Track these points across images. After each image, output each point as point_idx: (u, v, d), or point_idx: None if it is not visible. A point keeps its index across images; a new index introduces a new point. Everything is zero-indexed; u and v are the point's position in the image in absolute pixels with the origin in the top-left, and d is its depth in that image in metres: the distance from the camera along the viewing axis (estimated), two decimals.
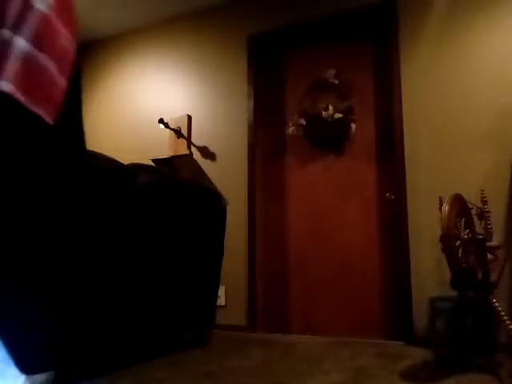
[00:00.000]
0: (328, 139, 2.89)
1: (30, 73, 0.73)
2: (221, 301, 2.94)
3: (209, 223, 2.48)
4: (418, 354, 2.13)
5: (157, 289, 2.07)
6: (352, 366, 1.87)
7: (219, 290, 2.72)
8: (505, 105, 2.46)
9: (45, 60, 0.76)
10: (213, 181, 3.16)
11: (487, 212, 2.17)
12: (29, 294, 1.48)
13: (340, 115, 2.66)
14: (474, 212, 2.11)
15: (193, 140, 3.35)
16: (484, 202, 2.18)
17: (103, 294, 1.76)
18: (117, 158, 1.90)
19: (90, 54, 4.01)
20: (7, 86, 0.71)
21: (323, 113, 2.83)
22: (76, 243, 1.63)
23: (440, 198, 2.18)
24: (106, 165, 1.81)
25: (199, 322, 2.47)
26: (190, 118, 3.37)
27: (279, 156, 3.08)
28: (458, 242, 1.76)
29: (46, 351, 1.52)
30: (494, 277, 1.83)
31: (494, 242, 2.09)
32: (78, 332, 1.65)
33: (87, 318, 1.69)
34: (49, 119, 0.77)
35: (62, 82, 0.80)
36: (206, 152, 3.29)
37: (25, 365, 1.14)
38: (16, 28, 0.71)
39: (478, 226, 2.14)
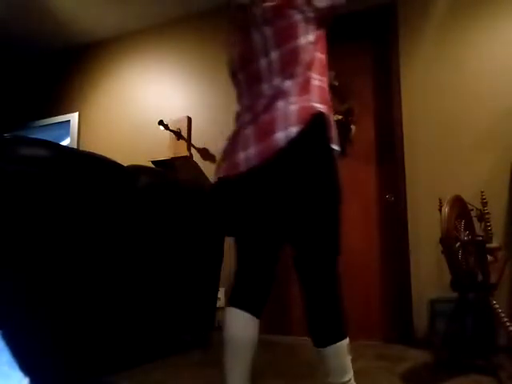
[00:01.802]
0: None
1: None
2: (220, 302, 2.94)
3: (209, 224, 2.48)
4: (418, 356, 2.12)
5: (157, 290, 2.06)
6: (352, 367, 1.86)
7: (219, 292, 2.71)
8: (505, 106, 2.46)
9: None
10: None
11: (487, 214, 2.18)
12: (32, 299, 1.48)
13: (340, 117, 2.65)
14: (473, 214, 2.11)
15: (193, 142, 3.35)
16: (484, 203, 2.18)
17: (103, 296, 1.76)
18: (117, 160, 1.90)
19: (91, 55, 4.02)
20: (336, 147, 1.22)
21: None
22: (78, 246, 1.63)
23: (440, 200, 2.18)
24: (106, 166, 1.82)
25: (199, 324, 2.46)
26: (189, 119, 3.37)
27: None
28: (458, 243, 1.76)
29: (49, 354, 1.52)
30: (493, 278, 1.82)
31: (494, 244, 2.09)
32: (79, 335, 1.65)
33: (88, 321, 1.68)
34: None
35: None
36: (205, 154, 3.29)
37: (28, 368, 1.14)
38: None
39: (478, 228, 2.14)
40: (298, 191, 1.15)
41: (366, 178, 2.83)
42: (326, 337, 1.19)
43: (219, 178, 1.28)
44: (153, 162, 3.17)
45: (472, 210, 2.07)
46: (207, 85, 3.39)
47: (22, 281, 1.47)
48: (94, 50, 4.01)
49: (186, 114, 3.38)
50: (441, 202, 2.13)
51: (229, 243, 2.72)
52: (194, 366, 1.99)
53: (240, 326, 1.22)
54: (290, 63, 1.22)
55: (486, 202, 2.18)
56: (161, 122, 3.24)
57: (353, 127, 2.41)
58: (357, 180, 2.85)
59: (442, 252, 1.82)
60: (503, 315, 1.77)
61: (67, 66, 4.14)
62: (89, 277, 1.68)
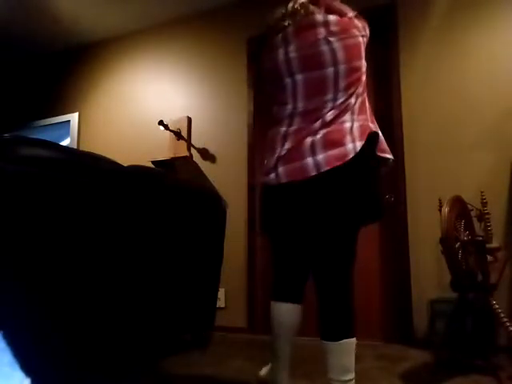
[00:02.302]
0: None
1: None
2: (220, 303, 2.94)
3: (209, 225, 2.48)
4: (418, 356, 2.13)
5: (157, 291, 2.06)
6: None
7: (219, 292, 2.71)
8: (504, 106, 2.46)
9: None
10: (213, 182, 3.16)
11: (487, 214, 2.17)
12: (33, 300, 1.48)
13: None
14: (473, 214, 2.11)
15: (193, 142, 3.35)
16: (484, 203, 2.18)
17: (103, 297, 1.76)
18: (117, 160, 1.90)
19: (91, 55, 4.02)
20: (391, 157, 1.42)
21: None
22: (78, 246, 1.63)
23: (440, 200, 2.18)
24: (106, 167, 1.82)
25: (199, 324, 2.46)
26: (189, 119, 3.37)
27: None
28: (458, 243, 1.76)
29: (50, 355, 1.52)
30: (493, 278, 1.83)
31: (494, 244, 2.09)
32: (80, 335, 1.65)
33: (88, 322, 1.68)
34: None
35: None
36: (205, 154, 3.30)
37: (30, 368, 1.14)
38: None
39: (478, 228, 2.14)
40: (356, 197, 1.31)
41: None
42: (338, 332, 1.29)
43: (281, 183, 1.36)
44: (153, 162, 3.17)
45: (472, 210, 2.07)
46: (207, 85, 3.40)
47: (23, 281, 1.47)
48: (94, 50, 4.01)
49: (185, 114, 3.39)
50: (441, 202, 2.13)
51: (228, 244, 2.73)
52: (193, 366, 1.99)
53: (286, 314, 1.45)
54: (355, 81, 1.37)
55: (486, 202, 2.18)
56: (161, 122, 3.24)
57: None
58: None
59: (442, 252, 1.82)
60: (503, 315, 1.77)
61: (67, 66, 4.14)
62: (89, 277, 1.68)
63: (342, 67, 1.34)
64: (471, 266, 1.81)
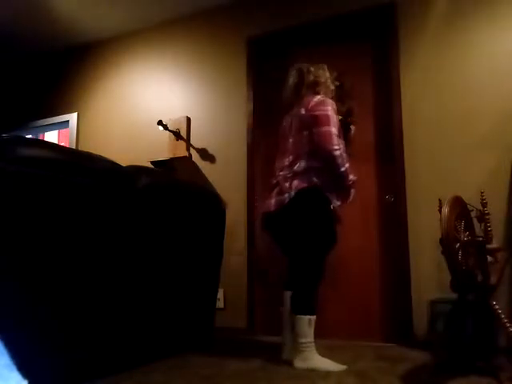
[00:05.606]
0: None
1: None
2: (220, 303, 2.94)
3: (208, 225, 2.47)
4: (417, 357, 2.12)
5: (156, 291, 2.06)
6: (352, 369, 1.86)
7: (219, 293, 2.71)
8: (505, 106, 2.46)
9: None
10: (212, 182, 3.15)
11: (487, 214, 2.16)
12: (32, 300, 1.47)
13: (340, 117, 2.66)
14: (473, 214, 2.10)
15: (192, 142, 3.34)
16: (484, 204, 2.17)
17: (102, 297, 1.75)
18: (116, 160, 1.89)
19: (90, 54, 4.01)
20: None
21: None
22: (77, 246, 1.62)
23: (440, 200, 2.17)
24: (105, 167, 1.81)
25: (198, 325, 2.46)
26: (189, 119, 3.37)
27: None
28: (458, 244, 1.75)
29: (49, 356, 1.52)
30: (493, 279, 1.82)
31: (494, 245, 2.08)
32: (79, 336, 1.65)
33: (88, 322, 1.68)
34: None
35: None
36: (205, 154, 3.29)
37: (27, 370, 1.13)
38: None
39: (478, 229, 2.13)
40: (296, 222, 2.04)
41: (365, 178, 2.82)
42: (294, 309, 1.96)
43: (262, 212, 2.24)
44: (152, 163, 3.17)
45: (472, 210, 2.07)
46: (206, 85, 3.39)
47: (22, 282, 1.47)
48: (94, 50, 4.00)
49: (185, 114, 3.38)
50: (441, 203, 2.12)
51: (227, 244, 2.72)
52: (193, 367, 1.98)
53: (286, 299, 2.06)
54: (300, 155, 2.08)
55: (486, 203, 2.17)
56: (160, 123, 3.23)
57: (352, 127, 2.40)
58: (356, 180, 2.84)
59: (442, 252, 1.82)
60: (503, 316, 1.76)
61: (66, 66, 4.13)
62: (88, 278, 1.68)
63: (291, 140, 2.14)
64: (471, 266, 1.80)
